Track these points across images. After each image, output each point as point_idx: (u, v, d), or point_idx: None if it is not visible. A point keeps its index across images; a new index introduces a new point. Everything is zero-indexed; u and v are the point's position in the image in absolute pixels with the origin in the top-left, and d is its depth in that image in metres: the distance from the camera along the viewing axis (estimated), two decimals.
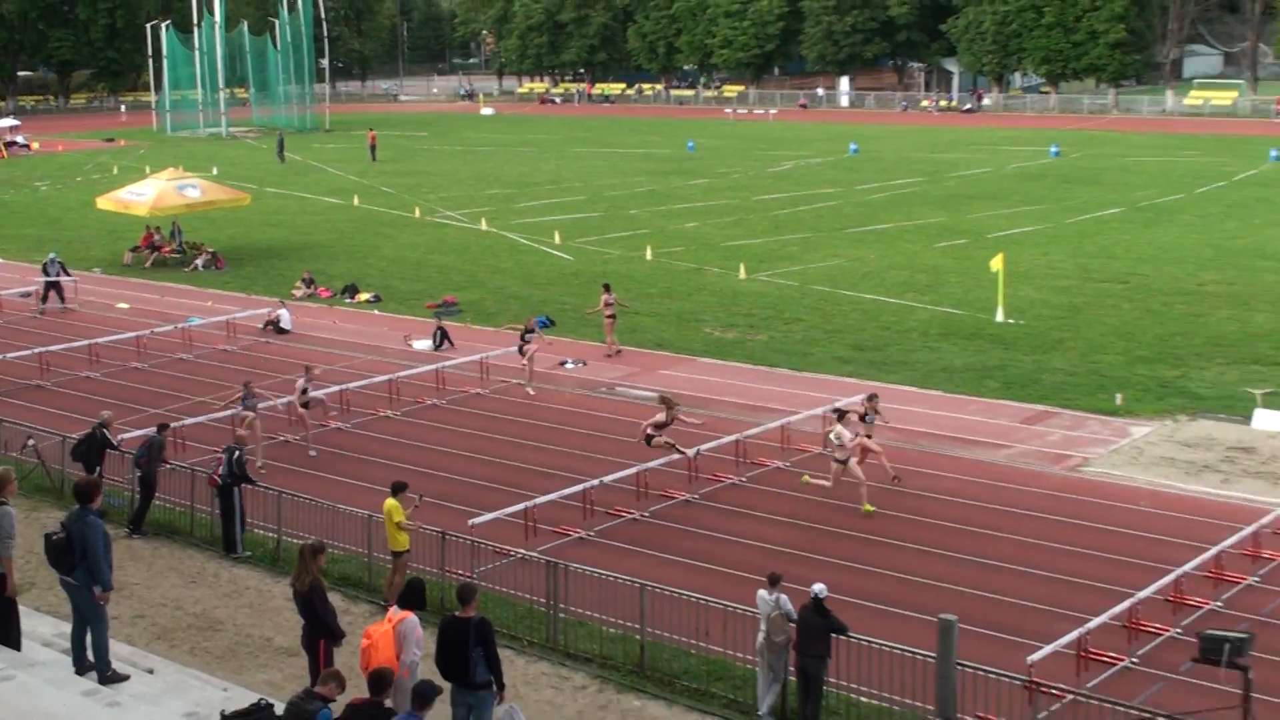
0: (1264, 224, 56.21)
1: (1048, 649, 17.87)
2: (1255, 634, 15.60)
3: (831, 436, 25.38)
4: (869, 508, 24.92)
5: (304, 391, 29.30)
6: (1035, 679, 17.02)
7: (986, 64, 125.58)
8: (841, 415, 25.89)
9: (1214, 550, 21.84)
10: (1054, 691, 17.37)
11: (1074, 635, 18.66)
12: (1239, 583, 21.87)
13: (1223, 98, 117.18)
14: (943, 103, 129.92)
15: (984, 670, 17.23)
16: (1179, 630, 20.08)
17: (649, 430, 26.65)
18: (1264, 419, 30.00)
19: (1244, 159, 78.76)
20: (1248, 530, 22.76)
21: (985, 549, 23.50)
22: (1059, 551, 23.14)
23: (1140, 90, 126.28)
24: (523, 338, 33.83)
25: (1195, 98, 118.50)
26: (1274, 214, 58.70)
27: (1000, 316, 39.82)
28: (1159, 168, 76.83)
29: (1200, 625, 19.08)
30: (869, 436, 26.10)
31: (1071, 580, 21.94)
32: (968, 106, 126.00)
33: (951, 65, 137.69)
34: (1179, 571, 21.02)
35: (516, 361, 34.60)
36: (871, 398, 27.45)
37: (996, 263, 40.19)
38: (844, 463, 25.02)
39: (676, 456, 26.67)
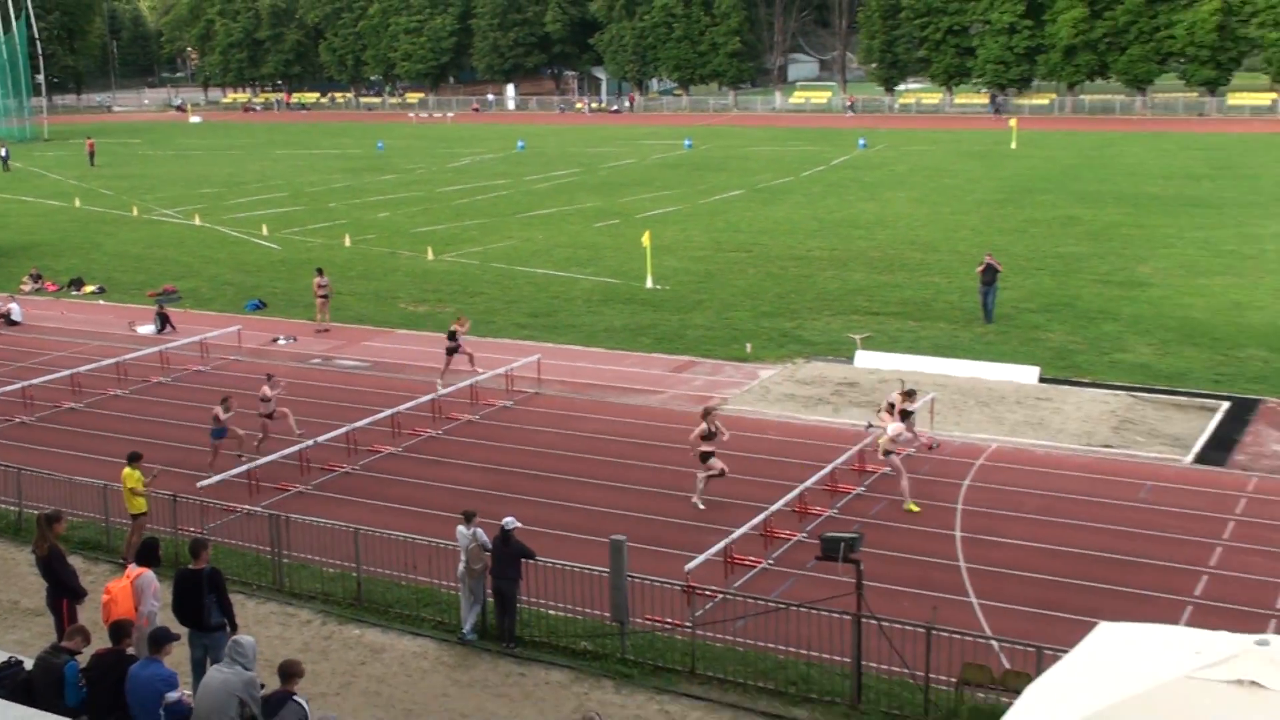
0: (856, 200, 58.79)
1: (700, 558, 18.38)
2: (864, 534, 16.39)
3: (890, 431, 22.49)
4: (911, 506, 22.12)
5: (266, 400, 25.54)
6: (692, 583, 17.50)
7: (629, 71, 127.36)
8: (905, 415, 23.12)
9: (829, 468, 22.86)
10: (707, 592, 17.91)
11: (721, 545, 19.26)
12: (850, 493, 22.95)
13: (820, 97, 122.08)
14: (594, 105, 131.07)
15: (650, 579, 17.62)
16: (805, 535, 20.94)
17: (702, 448, 22.20)
18: (863, 358, 31.50)
19: (838, 147, 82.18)
20: (854, 450, 23.89)
21: (646, 478, 23.97)
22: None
23: (755, 92, 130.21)
24: (451, 338, 30.27)
25: (798, 97, 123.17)
26: (863, 191, 61.47)
27: (650, 283, 40.56)
28: (772, 156, 79.46)
29: (821, 529, 19.93)
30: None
31: (718, 499, 22.58)
32: (615, 108, 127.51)
33: (600, 73, 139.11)
34: (803, 487, 21.91)
35: (232, 340, 33.46)
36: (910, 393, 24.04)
37: (645, 239, 40.92)
38: (889, 454, 22.50)
39: (712, 474, 22.36)
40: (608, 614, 17.35)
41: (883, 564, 19.32)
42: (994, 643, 16.78)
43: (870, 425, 23.87)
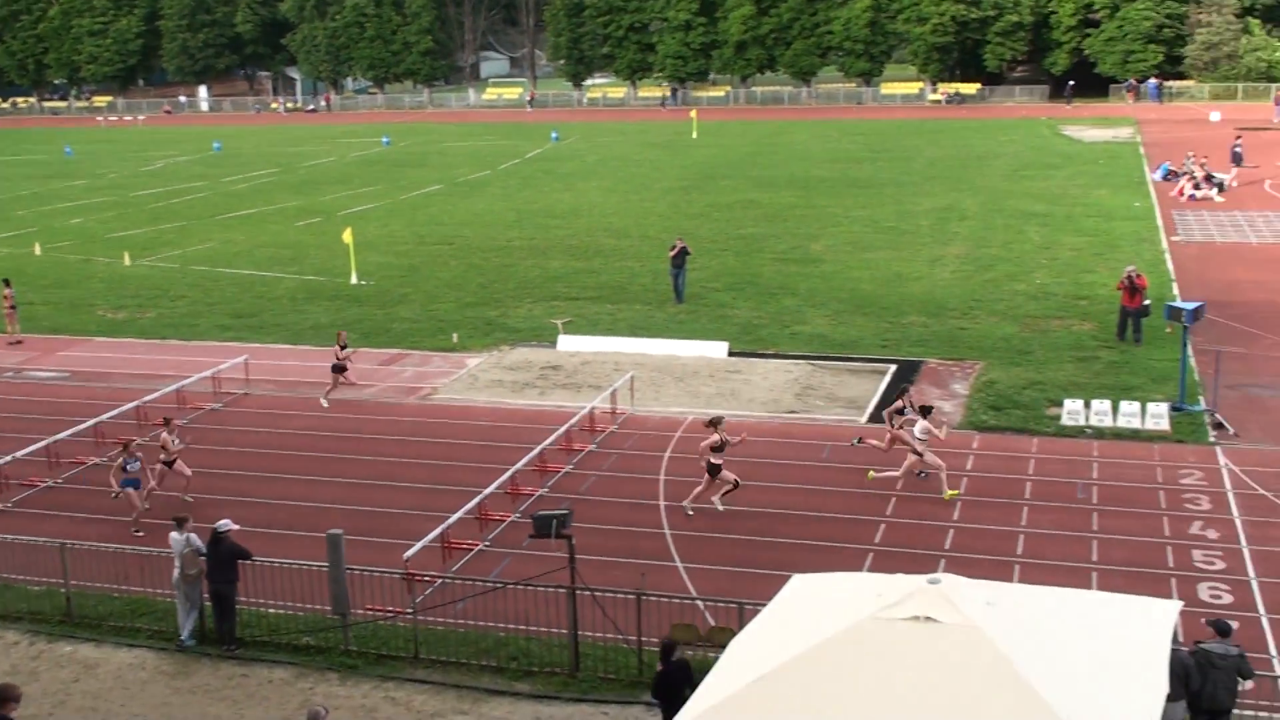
0: (551, 191, 59.18)
1: (418, 545, 18.16)
2: (573, 509, 16.54)
3: (917, 431, 21.62)
4: (952, 492, 21.36)
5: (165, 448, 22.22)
6: (411, 570, 17.27)
7: (323, 71, 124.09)
8: (927, 411, 22.02)
9: (538, 449, 22.95)
10: (427, 578, 17.72)
11: (438, 531, 19.07)
12: (559, 471, 23.12)
13: (512, 93, 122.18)
14: (290, 105, 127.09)
15: (370, 570, 17.30)
16: (518, 515, 20.98)
17: (711, 459, 20.81)
18: (565, 343, 31.77)
19: (532, 141, 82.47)
20: (561, 430, 24.08)
21: (361, 471, 23.50)
22: (421, 465, 23.54)
23: (449, 89, 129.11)
24: (338, 353, 27.86)
25: (491, 93, 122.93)
26: (558, 183, 61.92)
27: (354, 279, 39.72)
28: (469, 151, 79.05)
29: (534, 509, 20.00)
30: (901, 429, 22.44)
31: (434, 487, 22.36)
32: (311, 107, 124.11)
33: (294, 73, 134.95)
34: (514, 469, 21.92)
35: None
36: (903, 391, 23.54)
37: (347, 236, 40.01)
38: (921, 455, 21.54)
39: (727, 489, 21.07)
40: (329, 608, 16.93)
41: (594, 537, 19.56)
42: (699, 603, 17.25)
43: (860, 441, 23.02)
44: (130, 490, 21.06)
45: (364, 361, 30.95)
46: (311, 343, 32.94)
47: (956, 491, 21.45)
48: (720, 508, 21.13)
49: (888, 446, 22.42)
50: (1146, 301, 30.07)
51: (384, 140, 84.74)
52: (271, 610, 17.56)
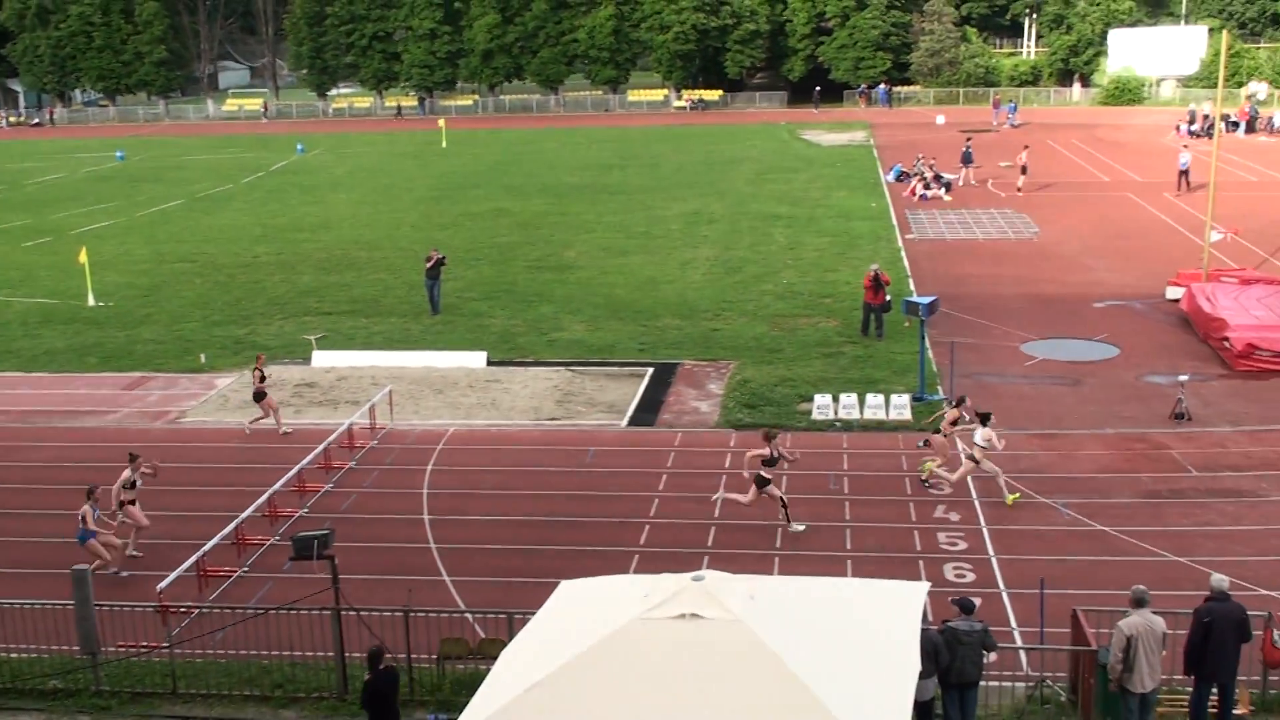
0: (298, 204, 57.72)
1: (172, 575, 17.40)
2: (335, 529, 16.17)
3: (978, 439, 21.12)
4: (1013, 496, 21.13)
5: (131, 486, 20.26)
6: (165, 603, 16.56)
7: (48, 83, 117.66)
8: (986, 419, 21.39)
9: (296, 468, 22.37)
10: (182, 609, 17.04)
11: (192, 560, 18.34)
12: (318, 491, 22.59)
13: (253, 104, 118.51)
14: (12, 119, 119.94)
15: (121, 605, 16.55)
16: (278, 538, 20.41)
17: (760, 472, 20.24)
18: (320, 358, 31.07)
19: (276, 153, 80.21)
20: (320, 448, 23.52)
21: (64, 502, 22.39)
22: (173, 492, 22.39)
23: (186, 100, 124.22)
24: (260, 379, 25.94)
25: (232, 105, 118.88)
26: (305, 195, 60.45)
27: (91, 301, 37.82)
28: (209, 164, 76.30)
29: (293, 530, 19.49)
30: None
31: (187, 514, 21.52)
32: (36, 121, 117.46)
33: (16, 85, 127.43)
34: (271, 490, 21.33)
35: None
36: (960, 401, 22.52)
37: (82, 256, 38.09)
38: (977, 461, 21.19)
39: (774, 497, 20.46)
40: (78, 648, 16.08)
41: (357, 556, 19.20)
42: (468, 615, 17.15)
43: (925, 444, 22.87)
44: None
45: (105, 387, 29.56)
46: (48, 369, 31.22)
47: (1017, 495, 21.28)
48: (799, 528, 20.26)
49: (946, 458, 22.13)
50: (888, 298, 31.47)
51: (118, 155, 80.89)
52: (15, 655, 16.55)
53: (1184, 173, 51.49)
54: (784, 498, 20.43)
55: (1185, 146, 55.47)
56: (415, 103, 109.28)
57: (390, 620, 15.94)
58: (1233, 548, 19.18)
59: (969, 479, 21.76)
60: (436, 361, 30.53)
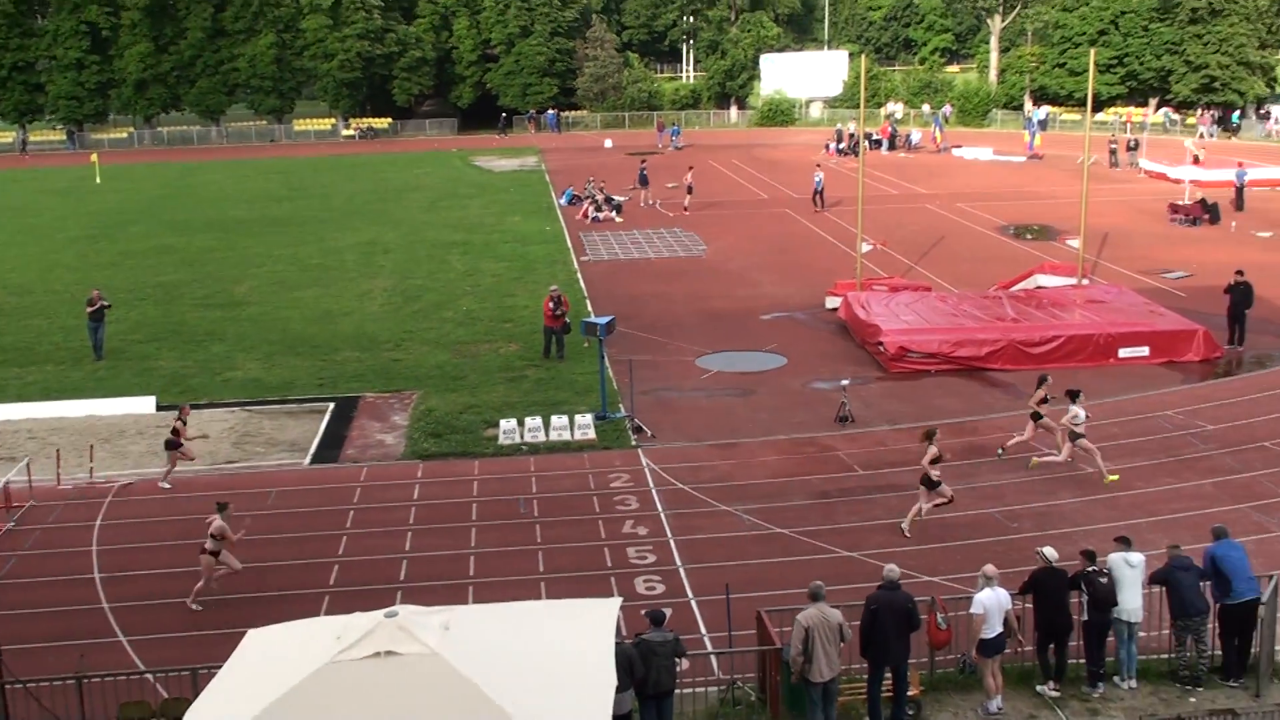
0: None
1: None
2: None
3: (1068, 418, 22.59)
4: (1113, 476, 22.56)
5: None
6: None
7: None
8: (1075, 395, 22.72)
9: None
10: None
11: None
12: None
13: None
14: None
15: None
16: None
17: (931, 474, 20.56)
18: None
19: None
20: None
21: None
22: None
23: None
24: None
25: None
26: None
27: None
28: None
29: None
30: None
31: None
32: None
33: None
34: None
35: None
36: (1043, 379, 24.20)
37: None
38: (1075, 440, 22.46)
39: (941, 502, 20.92)
40: None
41: (21, 624, 17.91)
42: (149, 676, 16.24)
43: (1002, 453, 24.11)
44: None
45: None
46: None
47: (1116, 476, 22.64)
48: (906, 532, 20.75)
49: (1031, 437, 23.80)
50: (568, 320, 31.93)
51: None
52: None
53: (819, 192, 54.26)
54: (952, 496, 20.86)
55: (819, 166, 58.28)
56: (64, 137, 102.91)
57: (62, 689, 14.91)
58: (898, 539, 20.47)
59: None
60: (101, 409, 28.82)
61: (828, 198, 54.22)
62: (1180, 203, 50.88)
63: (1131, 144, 68.34)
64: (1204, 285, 36.71)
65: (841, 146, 75.11)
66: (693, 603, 18.54)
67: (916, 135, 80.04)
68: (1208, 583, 15.85)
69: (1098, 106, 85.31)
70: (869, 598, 15.12)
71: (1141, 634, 16.04)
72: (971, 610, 15.16)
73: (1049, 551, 15.91)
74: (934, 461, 20.61)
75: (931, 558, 19.63)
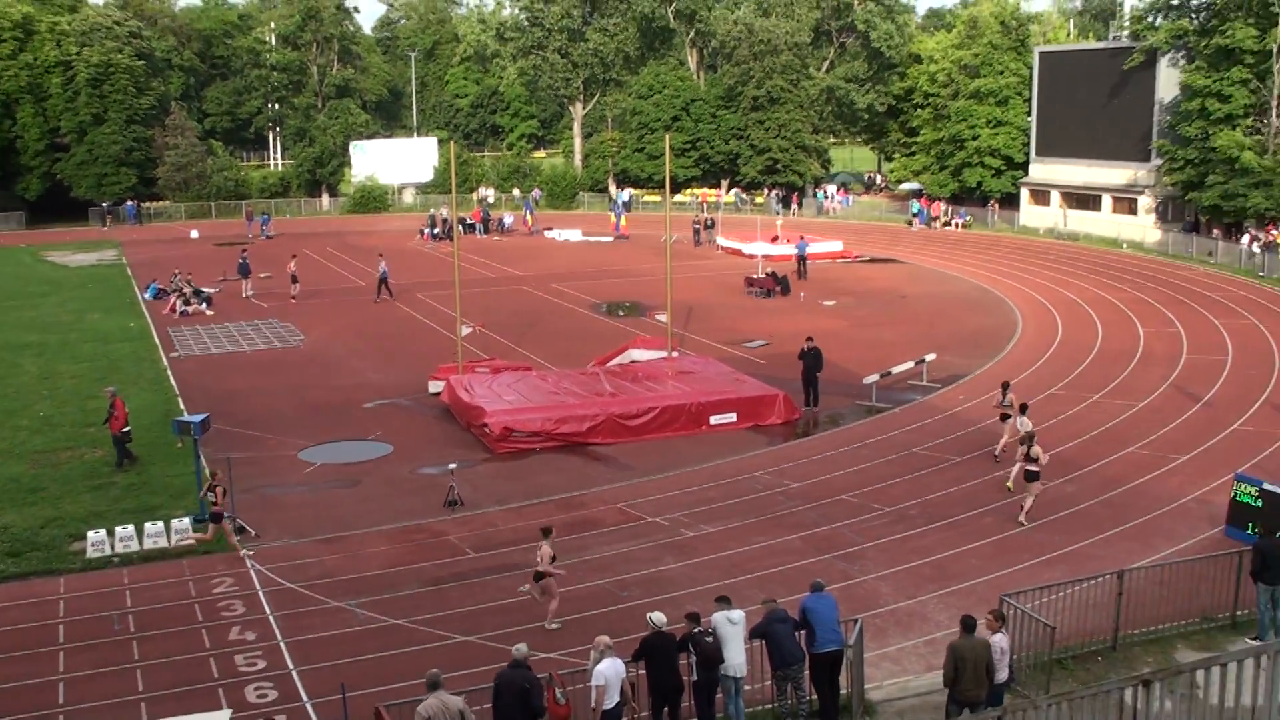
0: None
1: None
2: None
3: (1019, 425, 27.03)
4: (1010, 484, 26.44)
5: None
6: None
7: None
8: (1024, 408, 27.91)
9: None
10: None
11: None
12: None
13: None
14: None
15: None
16: None
17: (1028, 468, 24.64)
18: None
19: None
20: None
21: None
22: None
23: None
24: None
25: None
26: None
27: None
28: None
29: None
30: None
31: None
32: None
33: None
34: None
35: None
36: (1006, 385, 30.09)
37: None
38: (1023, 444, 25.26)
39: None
40: None
41: None
42: None
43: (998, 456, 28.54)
44: None
45: None
46: None
47: (1011, 485, 26.39)
48: (1024, 523, 24.53)
49: (1013, 436, 27.69)
50: (127, 428, 29.94)
51: None
52: None
53: (383, 281, 53.68)
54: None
55: (380, 256, 57.35)
56: None
57: None
58: (512, 619, 20.58)
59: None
60: None
61: (395, 286, 54.04)
62: (755, 276, 54.55)
63: (708, 223, 72.71)
64: (781, 352, 39.45)
65: (436, 231, 75.72)
66: (308, 705, 17.85)
67: (509, 219, 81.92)
68: (803, 632, 16.88)
69: (675, 188, 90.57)
70: (496, 675, 15.22)
71: (747, 687, 16.84)
72: (593, 683, 15.43)
73: (657, 617, 16.47)
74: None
75: (548, 634, 19.86)
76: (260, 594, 21.86)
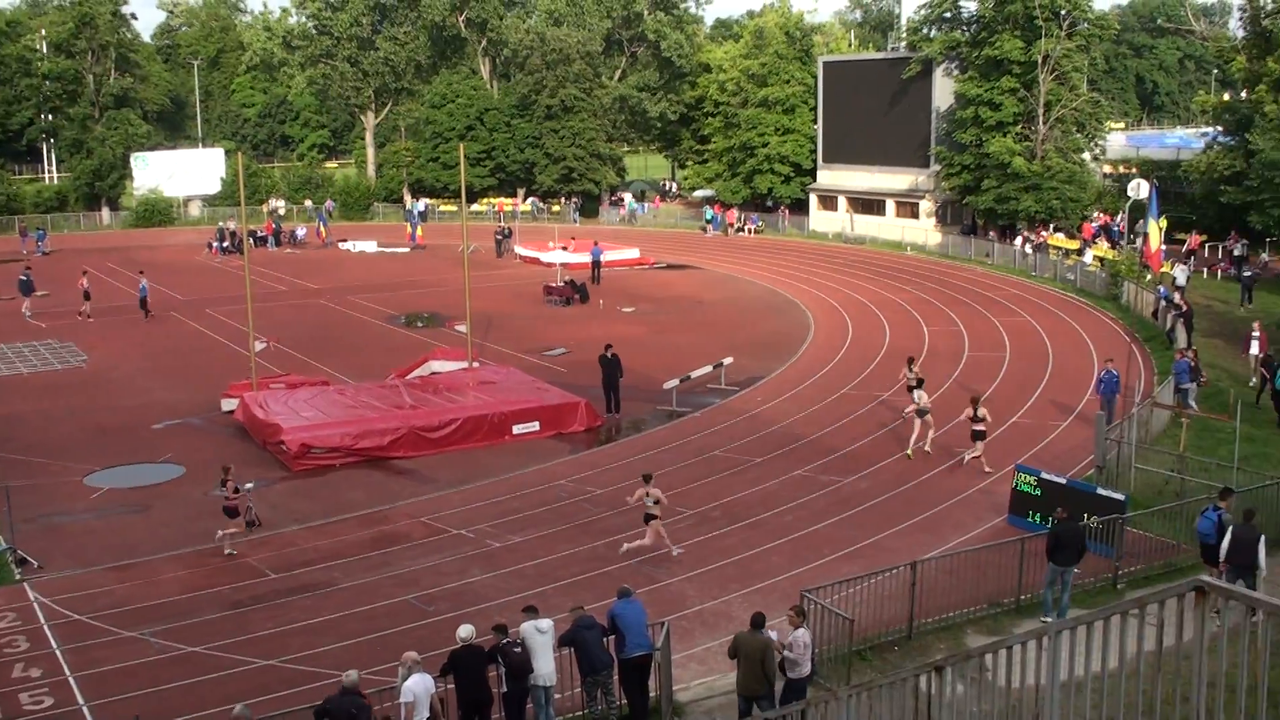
0: None
1: None
2: None
3: (915, 398, 29.72)
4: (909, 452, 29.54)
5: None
6: None
7: None
8: (920, 383, 30.95)
9: None
10: None
11: None
12: None
13: None
14: None
15: None
16: None
17: (975, 427, 28.62)
18: None
19: None
20: None
21: None
22: None
23: None
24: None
25: None
26: None
27: None
28: None
29: None
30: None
31: None
32: None
33: None
34: None
35: None
36: (911, 360, 34.02)
37: None
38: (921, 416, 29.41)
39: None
40: None
41: None
42: None
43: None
44: None
45: None
46: None
47: (911, 453, 29.54)
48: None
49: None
50: None
51: None
52: None
53: (143, 300, 51.35)
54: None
55: (141, 273, 54.91)
56: None
57: None
58: (317, 640, 20.14)
59: None
60: None
61: (184, 302, 52.40)
62: (554, 284, 54.68)
63: (505, 232, 72.53)
64: (581, 360, 39.66)
65: (225, 245, 73.50)
66: None
67: (302, 231, 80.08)
68: (612, 638, 17.00)
69: (472, 197, 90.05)
70: (325, 699, 14.92)
71: (557, 695, 16.87)
72: (402, 700, 15.21)
73: (465, 629, 16.35)
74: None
75: (355, 653, 19.48)
76: (45, 628, 20.85)
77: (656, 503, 22.83)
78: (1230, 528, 19.68)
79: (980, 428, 28.50)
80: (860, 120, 77.53)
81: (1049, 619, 19.69)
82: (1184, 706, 7.34)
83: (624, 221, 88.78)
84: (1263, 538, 19.33)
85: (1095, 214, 67.15)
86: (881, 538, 24.43)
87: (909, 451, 29.57)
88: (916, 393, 30.27)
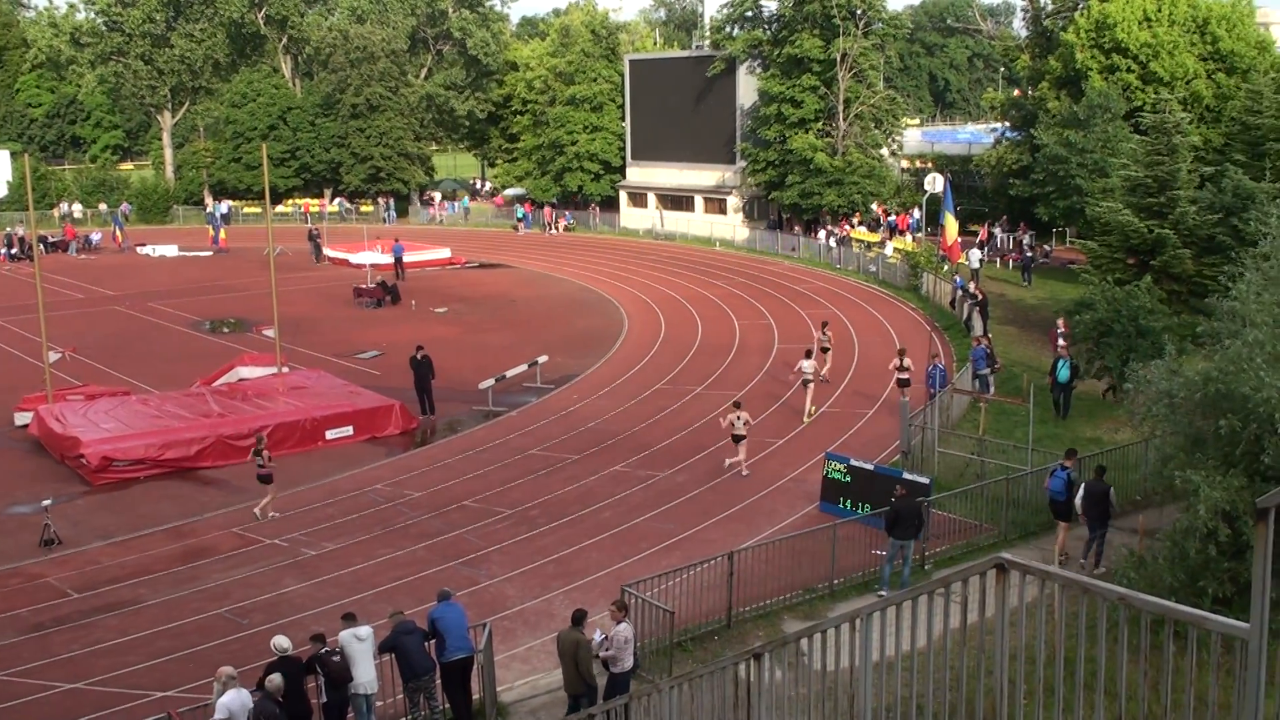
0: None
1: None
2: None
3: (803, 367, 32.52)
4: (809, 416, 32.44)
5: None
6: None
7: None
8: (809, 353, 33.09)
9: None
10: None
11: None
12: None
13: None
14: None
15: None
16: None
17: (899, 376, 31.66)
18: None
19: None
20: None
21: None
22: None
23: None
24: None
25: None
26: None
27: None
28: None
29: None
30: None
31: None
32: None
33: None
34: None
35: None
36: (825, 324, 38.41)
37: None
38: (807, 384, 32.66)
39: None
40: None
41: None
42: None
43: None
44: None
45: None
46: None
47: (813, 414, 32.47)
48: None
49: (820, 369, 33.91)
50: None
51: None
52: None
53: None
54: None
55: None
56: None
57: None
58: (126, 659, 19.39)
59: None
60: None
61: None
62: (364, 286, 53.76)
63: (314, 233, 70.94)
64: (394, 362, 39.11)
65: (14, 251, 70.04)
66: None
67: (97, 235, 76.82)
68: (433, 641, 16.82)
69: (276, 198, 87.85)
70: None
71: (379, 703, 16.62)
72: (217, 716, 14.76)
73: (281, 641, 15.97)
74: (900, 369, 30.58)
75: (163, 672, 18.82)
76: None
77: (746, 424, 27.31)
78: (1082, 484, 21.77)
79: (904, 376, 31.63)
80: (667, 118, 78.43)
81: (884, 593, 20.37)
82: (988, 680, 7.67)
83: (444, 222, 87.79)
84: (1112, 489, 21.65)
85: (895, 209, 69.45)
86: (699, 530, 24.78)
87: (805, 417, 32.62)
88: (804, 362, 32.85)
